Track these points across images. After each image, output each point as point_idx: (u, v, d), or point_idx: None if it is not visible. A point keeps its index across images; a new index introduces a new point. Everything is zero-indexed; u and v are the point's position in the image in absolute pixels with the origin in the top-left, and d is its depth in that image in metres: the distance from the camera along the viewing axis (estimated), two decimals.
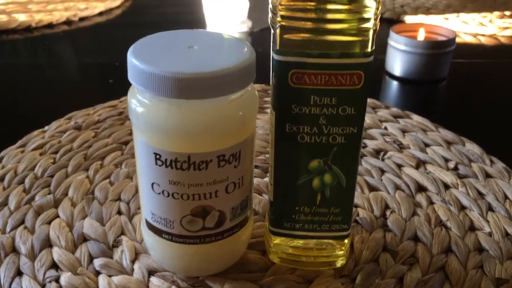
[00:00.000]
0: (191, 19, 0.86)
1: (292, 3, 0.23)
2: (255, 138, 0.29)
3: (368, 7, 0.23)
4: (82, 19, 0.82)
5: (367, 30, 0.24)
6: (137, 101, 0.26)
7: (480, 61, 0.69)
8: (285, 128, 0.27)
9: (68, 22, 0.81)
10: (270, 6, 0.25)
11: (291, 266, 0.32)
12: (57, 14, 0.80)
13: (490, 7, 0.87)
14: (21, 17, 0.78)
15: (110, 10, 0.87)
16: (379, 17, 0.24)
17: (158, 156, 0.26)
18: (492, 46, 0.73)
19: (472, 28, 0.77)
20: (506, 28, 0.77)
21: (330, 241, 0.31)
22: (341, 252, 0.31)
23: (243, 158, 0.27)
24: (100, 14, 0.85)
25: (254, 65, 0.26)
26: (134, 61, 0.25)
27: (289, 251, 0.31)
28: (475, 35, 0.76)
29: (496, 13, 0.84)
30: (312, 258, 0.31)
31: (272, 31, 0.25)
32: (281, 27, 0.24)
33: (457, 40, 0.74)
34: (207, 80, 0.24)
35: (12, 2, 0.86)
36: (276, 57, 0.25)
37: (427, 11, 0.84)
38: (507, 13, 0.84)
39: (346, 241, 0.31)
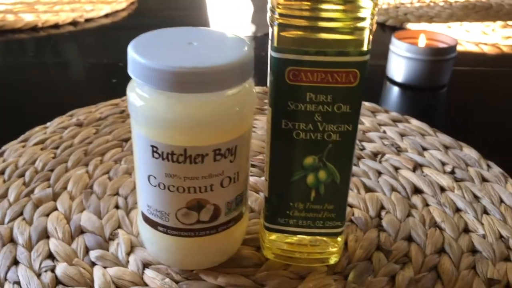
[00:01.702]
0: (196, 22, 0.86)
1: (289, 2, 0.24)
2: (252, 136, 0.30)
3: (363, 7, 0.23)
4: (88, 20, 0.83)
5: (362, 29, 0.24)
6: (136, 95, 0.27)
7: (482, 69, 0.69)
8: (281, 125, 0.27)
9: (74, 23, 0.82)
10: (269, 4, 0.25)
11: (285, 262, 0.32)
12: (64, 15, 0.81)
13: (493, 17, 0.88)
14: (28, 17, 0.79)
15: (115, 12, 0.88)
16: (375, 17, 0.25)
17: (155, 149, 0.26)
18: (494, 55, 0.74)
19: (474, 36, 0.78)
20: (509, 37, 0.77)
21: (324, 238, 0.31)
22: (335, 249, 0.32)
23: (239, 154, 0.28)
24: (106, 16, 0.86)
25: (252, 62, 0.26)
26: (134, 55, 0.25)
27: (284, 247, 0.32)
28: (477, 44, 0.77)
29: (499, 22, 0.84)
30: (305, 254, 0.32)
31: (270, 29, 0.26)
32: (279, 24, 0.25)
33: (460, 48, 0.75)
34: (205, 74, 0.24)
35: (20, 2, 0.87)
36: (274, 54, 0.26)
37: (430, 19, 0.84)
38: (510, 22, 0.84)
39: (339, 238, 0.31)
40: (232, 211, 0.30)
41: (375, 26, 0.25)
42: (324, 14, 0.24)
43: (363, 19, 0.24)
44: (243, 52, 0.26)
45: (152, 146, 0.26)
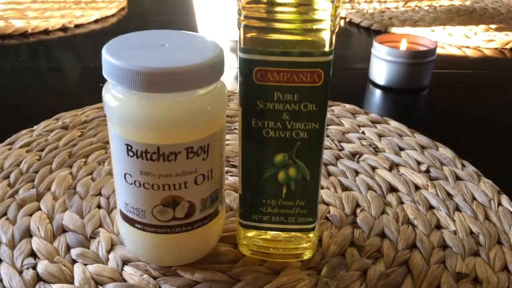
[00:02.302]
0: (184, 27, 0.87)
1: (251, 5, 0.25)
2: (225, 134, 0.31)
3: (320, 9, 0.25)
4: (77, 26, 0.84)
5: (322, 30, 0.25)
6: (111, 96, 0.28)
7: (462, 71, 0.71)
8: (251, 123, 0.28)
9: (64, 28, 0.83)
10: (236, 7, 0.26)
11: (261, 258, 0.33)
12: (53, 21, 0.82)
13: (476, 20, 0.89)
14: (18, 23, 0.80)
15: (105, 18, 0.89)
16: (338, 18, 0.26)
17: (129, 147, 0.28)
18: (475, 58, 0.75)
19: (457, 40, 0.79)
20: (491, 40, 0.78)
21: (298, 233, 0.32)
22: (308, 245, 0.33)
23: (212, 151, 0.29)
24: (96, 21, 0.87)
25: (222, 62, 0.28)
26: (107, 56, 0.26)
27: (259, 243, 0.33)
28: (459, 47, 0.78)
29: (482, 26, 0.86)
30: (280, 250, 0.33)
31: (238, 31, 0.27)
32: (244, 26, 0.26)
33: (442, 51, 0.76)
34: (174, 74, 0.25)
35: (10, 9, 0.88)
36: (241, 55, 0.27)
37: (414, 23, 0.86)
38: (492, 26, 0.86)
39: (312, 234, 0.32)
40: (207, 208, 0.31)
41: (338, 27, 0.26)
42: (282, 16, 0.25)
43: (321, 20, 0.25)
44: (214, 53, 0.27)
45: (127, 145, 0.27)
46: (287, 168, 0.29)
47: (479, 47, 0.78)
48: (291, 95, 0.27)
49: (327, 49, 0.26)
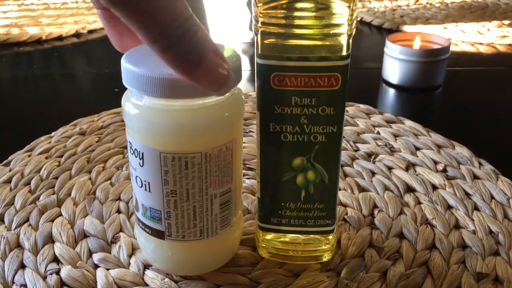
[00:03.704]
0: None
1: (269, 11, 0.25)
2: (242, 140, 0.31)
3: (337, 14, 0.25)
4: (90, 31, 0.85)
5: (340, 35, 0.25)
6: (131, 104, 0.28)
7: (476, 68, 0.70)
8: (269, 128, 0.29)
9: (77, 34, 0.84)
10: (253, 13, 0.27)
11: (280, 260, 0.33)
12: (67, 27, 0.83)
13: (489, 16, 0.89)
14: (32, 30, 0.81)
15: None
16: (354, 22, 0.26)
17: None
18: (489, 54, 0.75)
19: (470, 36, 0.79)
20: (504, 36, 0.78)
21: (317, 236, 0.32)
22: (327, 247, 0.33)
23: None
24: None
25: (240, 69, 0.28)
26: (126, 65, 0.27)
27: (278, 246, 0.33)
28: (473, 44, 0.78)
29: (495, 22, 0.85)
30: (299, 252, 0.33)
31: (255, 37, 0.27)
32: (262, 32, 0.26)
33: (455, 48, 0.76)
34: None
35: (24, 16, 0.89)
36: (259, 61, 0.27)
37: (426, 21, 0.86)
38: (506, 22, 0.85)
39: (331, 236, 0.32)
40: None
41: (354, 30, 0.26)
42: (300, 22, 0.25)
43: (339, 25, 0.25)
44: (232, 59, 0.27)
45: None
46: (305, 171, 0.30)
47: (492, 43, 0.78)
48: (309, 99, 0.27)
49: (344, 53, 0.26)
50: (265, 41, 0.26)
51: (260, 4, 0.25)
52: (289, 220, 0.32)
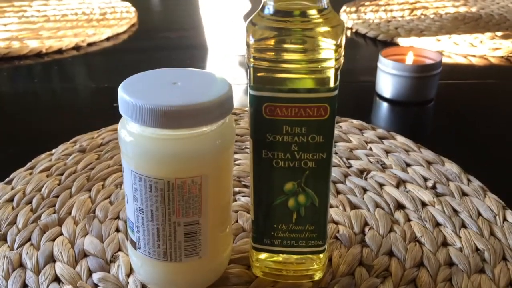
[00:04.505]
0: (194, 43, 0.90)
1: (261, 46, 0.27)
2: (233, 163, 0.32)
3: (324, 49, 0.26)
4: (90, 44, 0.86)
5: (327, 69, 0.27)
6: (126, 131, 0.30)
7: (468, 81, 0.72)
8: (261, 154, 0.30)
9: (77, 47, 0.85)
10: (245, 47, 0.28)
11: (273, 279, 0.34)
12: (67, 40, 0.84)
13: (482, 28, 0.90)
14: (33, 44, 0.82)
15: (117, 35, 0.91)
16: (342, 56, 0.27)
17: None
18: (481, 67, 0.76)
19: (463, 49, 0.80)
20: (497, 48, 0.79)
21: (309, 255, 0.34)
22: (318, 266, 0.34)
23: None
24: (108, 39, 0.89)
25: (231, 99, 0.29)
26: (123, 95, 0.28)
27: (271, 265, 0.34)
28: (465, 56, 0.79)
29: (488, 34, 0.86)
30: (292, 272, 0.34)
31: (248, 69, 0.28)
32: (253, 66, 0.27)
33: (448, 61, 0.77)
34: (188, 112, 0.27)
35: (24, 29, 0.91)
36: (252, 92, 0.28)
37: (420, 33, 0.87)
38: (499, 33, 0.87)
39: (321, 255, 0.34)
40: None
41: (342, 63, 0.27)
42: (289, 57, 0.27)
43: (326, 60, 0.26)
44: (224, 90, 0.29)
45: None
46: (296, 195, 0.31)
47: (485, 55, 0.79)
48: (299, 128, 0.29)
49: (332, 85, 0.27)
50: (257, 74, 0.28)
51: (252, 40, 0.27)
52: (282, 241, 0.33)
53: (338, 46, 0.26)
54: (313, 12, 0.27)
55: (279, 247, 0.33)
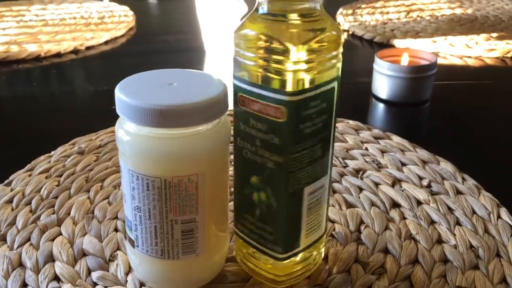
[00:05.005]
0: (192, 46, 0.90)
1: (239, 40, 0.29)
2: (228, 161, 0.33)
3: (279, 52, 0.28)
4: (88, 48, 0.87)
5: (282, 71, 0.28)
6: (124, 131, 0.30)
7: (464, 82, 0.72)
8: (237, 142, 0.31)
9: (75, 51, 0.86)
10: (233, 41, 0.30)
11: (245, 269, 0.35)
12: (65, 44, 0.85)
13: (478, 29, 0.91)
14: (31, 48, 0.83)
15: (115, 39, 0.92)
16: (312, 62, 0.28)
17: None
18: (477, 68, 0.77)
19: (458, 50, 0.81)
20: (492, 49, 0.80)
21: (268, 258, 0.33)
22: (277, 273, 0.33)
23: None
24: (106, 43, 0.90)
25: (226, 98, 0.30)
26: (120, 95, 0.29)
27: (244, 253, 0.35)
28: (461, 57, 0.80)
29: (483, 35, 0.87)
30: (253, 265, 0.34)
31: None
32: (234, 59, 0.29)
33: (444, 62, 0.78)
34: (184, 111, 0.28)
35: (23, 33, 0.91)
36: (233, 80, 0.30)
37: (416, 34, 0.88)
38: (494, 34, 0.87)
39: (285, 263, 0.33)
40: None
41: (314, 69, 0.28)
42: (260, 54, 0.28)
43: (280, 62, 0.27)
44: (219, 90, 0.29)
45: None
46: (259, 191, 0.31)
47: (480, 56, 0.80)
48: (261, 124, 0.29)
49: (289, 89, 0.28)
50: (238, 65, 0.29)
51: (235, 33, 0.29)
52: (248, 232, 0.33)
53: (300, 50, 0.27)
54: (294, 15, 0.28)
55: (247, 237, 0.33)
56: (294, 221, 0.32)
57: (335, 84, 0.30)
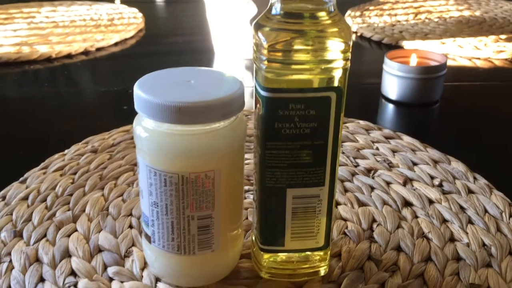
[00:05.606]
0: (201, 47, 0.91)
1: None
2: (243, 158, 0.33)
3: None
4: (98, 49, 0.88)
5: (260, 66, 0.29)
6: (142, 128, 0.30)
7: (473, 83, 0.72)
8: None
9: (86, 52, 0.86)
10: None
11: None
12: (76, 45, 0.86)
13: (486, 31, 0.91)
14: (42, 49, 0.84)
15: (125, 40, 0.93)
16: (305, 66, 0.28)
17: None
18: (486, 69, 0.77)
19: (467, 51, 0.81)
20: (501, 51, 0.80)
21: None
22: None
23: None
24: (116, 44, 0.91)
25: (243, 96, 0.30)
26: (138, 92, 0.29)
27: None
28: (470, 59, 0.80)
29: (492, 37, 0.87)
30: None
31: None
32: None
33: (453, 63, 0.78)
34: (203, 108, 0.28)
35: (34, 35, 0.92)
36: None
37: (425, 36, 0.88)
38: (503, 36, 0.87)
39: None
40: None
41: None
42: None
43: (257, 57, 0.29)
44: (236, 87, 0.30)
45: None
46: None
47: (489, 58, 0.80)
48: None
49: (264, 85, 0.29)
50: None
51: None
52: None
53: (268, 48, 0.28)
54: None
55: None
56: (273, 218, 0.32)
57: (331, 95, 0.29)
